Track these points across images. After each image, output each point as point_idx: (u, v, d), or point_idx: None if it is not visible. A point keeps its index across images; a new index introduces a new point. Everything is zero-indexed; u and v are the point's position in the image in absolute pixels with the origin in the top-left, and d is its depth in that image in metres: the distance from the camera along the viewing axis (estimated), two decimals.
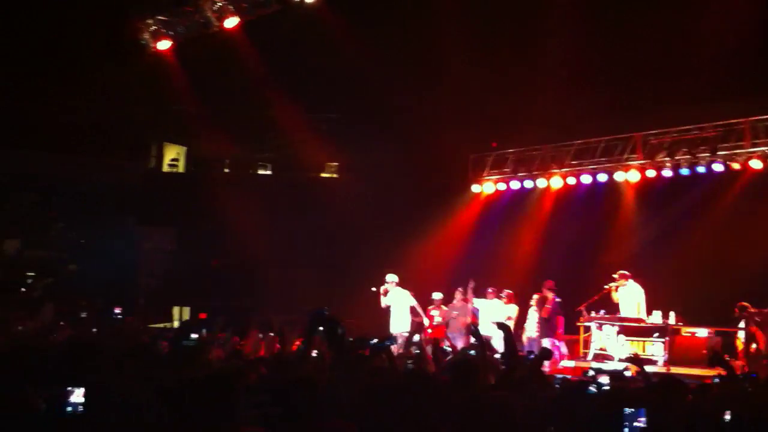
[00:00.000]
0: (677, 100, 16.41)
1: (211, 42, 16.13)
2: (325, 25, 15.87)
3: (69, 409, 4.60)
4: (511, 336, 7.11)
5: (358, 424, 4.52)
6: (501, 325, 7.17)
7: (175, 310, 20.38)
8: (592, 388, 6.93)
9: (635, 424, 4.80)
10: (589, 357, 15.00)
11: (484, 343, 7.57)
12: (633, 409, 4.84)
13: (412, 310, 15.39)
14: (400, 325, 14.93)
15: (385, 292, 15.03)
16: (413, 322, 15.83)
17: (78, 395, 4.62)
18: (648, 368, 11.31)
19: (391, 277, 15.18)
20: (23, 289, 16.78)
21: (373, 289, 15.05)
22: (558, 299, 15.38)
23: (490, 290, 15.90)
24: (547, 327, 15.25)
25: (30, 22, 16.70)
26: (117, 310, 11.24)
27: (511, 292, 15.82)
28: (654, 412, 4.93)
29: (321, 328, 6.25)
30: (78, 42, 17.04)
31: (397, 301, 15.18)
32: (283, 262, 19.63)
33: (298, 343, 10.91)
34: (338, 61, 17.31)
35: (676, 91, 16.05)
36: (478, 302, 15.86)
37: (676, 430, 5.40)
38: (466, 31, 15.67)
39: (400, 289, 15.24)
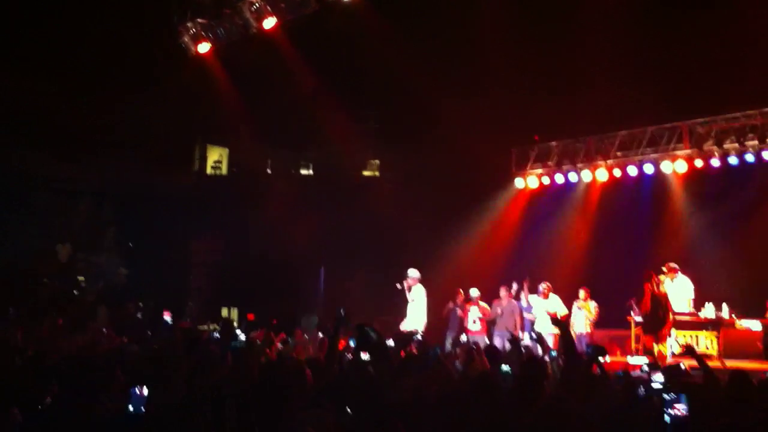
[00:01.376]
0: (724, 87, 16.09)
1: (252, 44, 16.21)
2: (365, 24, 15.87)
3: (131, 408, 4.67)
4: (569, 333, 6.98)
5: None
6: (556, 322, 7.04)
7: (224, 311, 20.55)
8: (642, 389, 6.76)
9: (674, 411, 4.71)
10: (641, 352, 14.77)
11: (546, 345, 7.44)
12: (673, 395, 4.74)
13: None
14: (415, 322, 14.71)
15: (409, 287, 14.82)
16: (456, 321, 15.73)
17: (142, 395, 4.69)
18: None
19: (413, 272, 14.95)
20: (75, 293, 17.04)
21: (398, 285, 14.86)
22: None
23: (543, 286, 15.70)
24: None
25: (72, 29, 16.93)
26: (167, 317, 11.32)
27: (549, 284, 15.59)
28: (695, 400, 4.83)
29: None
30: (122, 48, 17.26)
31: (417, 298, 14.95)
32: (330, 262, 19.67)
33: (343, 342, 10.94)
34: (379, 60, 17.30)
35: (723, 78, 15.73)
36: (532, 299, 15.67)
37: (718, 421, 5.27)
38: (508, 23, 15.55)
39: (420, 286, 14.99)
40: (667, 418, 4.69)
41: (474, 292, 15.89)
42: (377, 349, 6.11)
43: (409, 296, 14.71)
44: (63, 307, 15.40)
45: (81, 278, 17.87)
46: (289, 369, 6.75)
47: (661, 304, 13.23)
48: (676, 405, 4.74)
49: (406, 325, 14.56)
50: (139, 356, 6.29)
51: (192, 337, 6.89)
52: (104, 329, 12.58)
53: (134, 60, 17.74)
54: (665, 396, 4.76)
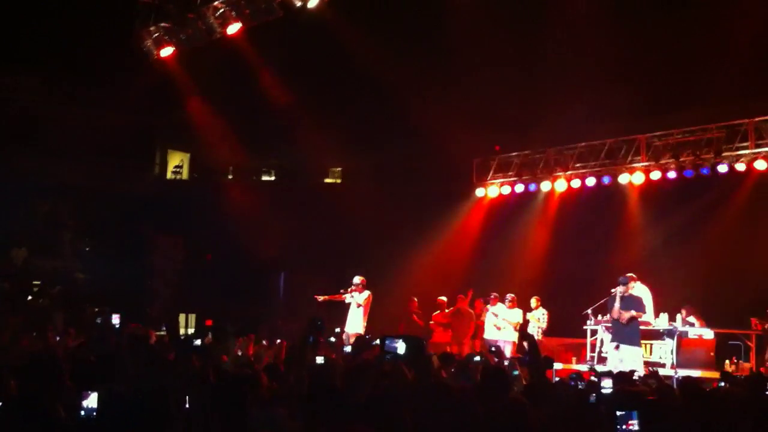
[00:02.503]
0: (681, 101, 16.41)
1: (215, 48, 16.16)
2: (330, 30, 15.91)
3: (82, 413, 4.64)
4: (535, 343, 7.10)
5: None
6: (525, 334, 7.16)
7: (182, 317, 20.41)
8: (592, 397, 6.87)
9: (628, 426, 4.79)
10: (595, 361, 14.95)
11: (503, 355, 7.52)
12: (624, 412, 4.82)
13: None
14: (356, 326, 14.77)
15: (351, 292, 14.86)
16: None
17: (91, 400, 4.66)
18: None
19: (357, 279, 15.02)
20: (30, 298, 16.78)
21: (345, 298, 14.89)
22: None
23: (493, 295, 15.85)
24: None
25: (37, 27, 16.77)
26: (115, 319, 11.22)
27: (514, 296, 15.78)
28: (648, 416, 4.92)
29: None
30: (84, 49, 17.12)
31: (363, 303, 14.98)
32: (291, 268, 19.64)
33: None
34: (343, 68, 17.36)
35: (680, 92, 16.04)
36: (497, 308, 15.81)
37: None
38: (470, 36, 15.69)
39: (367, 291, 15.02)
40: None
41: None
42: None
43: (355, 301, 14.75)
44: (18, 311, 15.17)
45: (36, 282, 17.61)
46: (244, 373, 6.79)
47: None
48: (630, 421, 4.82)
49: (348, 329, 14.63)
50: (87, 360, 6.26)
51: (138, 339, 6.85)
52: (57, 336, 12.43)
53: (97, 62, 17.58)
54: (617, 413, 4.84)
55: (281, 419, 5.38)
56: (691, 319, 14.75)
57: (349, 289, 14.67)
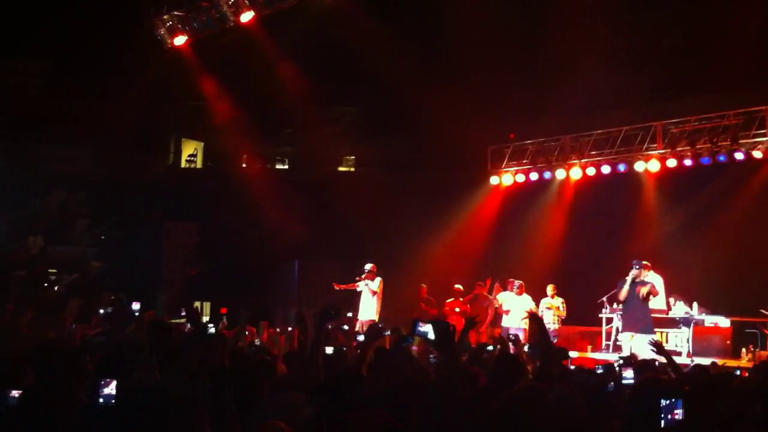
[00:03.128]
0: (697, 88, 16.28)
1: (229, 37, 16.15)
2: (343, 18, 15.86)
3: (101, 400, 4.65)
4: (545, 328, 7.06)
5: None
6: (534, 318, 7.10)
7: (196, 304, 20.46)
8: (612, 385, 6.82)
9: (671, 416, 4.73)
10: (611, 349, 14.92)
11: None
12: (670, 401, 4.76)
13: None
14: (369, 312, 14.82)
15: (363, 279, 14.90)
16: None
17: (111, 388, 4.67)
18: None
19: (368, 266, 15.06)
20: (46, 285, 16.88)
21: (358, 287, 14.94)
22: None
23: (518, 284, 15.84)
24: None
25: (52, 16, 16.81)
26: (135, 306, 11.28)
27: (522, 282, 15.71)
28: (691, 404, 4.87)
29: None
30: (98, 38, 17.14)
31: (377, 290, 15.04)
32: (305, 256, 19.66)
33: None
34: (357, 56, 17.30)
35: (697, 79, 15.91)
36: (504, 296, 15.80)
37: (715, 422, 5.34)
38: (484, 23, 15.59)
39: (378, 278, 15.05)
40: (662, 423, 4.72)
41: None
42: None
43: (369, 288, 14.76)
44: (34, 299, 15.25)
45: (52, 270, 17.70)
46: (258, 360, 6.79)
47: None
48: (675, 411, 4.77)
49: (362, 316, 14.67)
50: (106, 348, 6.27)
51: (160, 327, 6.86)
52: (72, 324, 12.48)
53: (110, 50, 17.61)
54: (662, 402, 4.79)
55: (296, 404, 5.38)
56: (680, 305, 14.69)
57: (363, 276, 14.70)
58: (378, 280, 14.73)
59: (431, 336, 5.64)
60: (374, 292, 14.65)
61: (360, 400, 4.80)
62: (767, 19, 14.14)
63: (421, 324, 5.60)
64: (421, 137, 19.73)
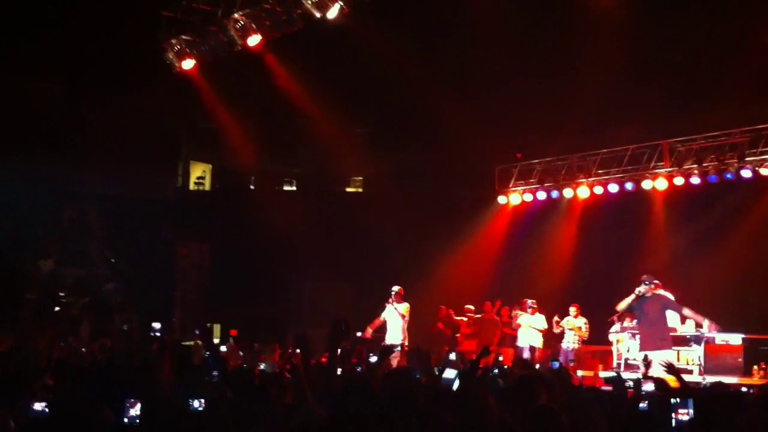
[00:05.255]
0: (703, 106, 16.35)
1: (238, 59, 16.28)
2: (350, 40, 15.99)
3: (126, 420, 4.72)
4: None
5: None
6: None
7: (207, 325, 20.52)
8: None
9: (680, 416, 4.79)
10: (622, 368, 14.88)
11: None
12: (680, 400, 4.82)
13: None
14: (396, 336, 14.84)
15: (391, 302, 14.92)
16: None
17: (136, 408, 4.74)
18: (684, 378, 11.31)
19: (396, 288, 15.10)
20: (57, 309, 16.92)
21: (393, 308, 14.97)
22: None
23: (531, 303, 15.95)
24: None
25: (65, 36, 16.96)
26: (157, 326, 11.30)
27: (535, 302, 15.82)
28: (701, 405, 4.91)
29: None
30: (109, 59, 17.30)
31: (405, 313, 15.05)
32: (315, 277, 19.71)
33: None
34: (364, 78, 17.44)
35: (703, 97, 15.99)
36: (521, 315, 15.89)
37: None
38: (490, 44, 15.70)
39: (406, 303, 15.10)
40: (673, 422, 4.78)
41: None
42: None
43: (397, 312, 14.77)
44: (45, 322, 15.31)
45: (62, 294, 17.74)
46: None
47: None
48: (681, 410, 4.82)
49: (390, 339, 14.66)
50: (129, 368, 6.33)
51: (180, 352, 6.94)
52: (82, 347, 12.55)
53: (121, 72, 17.78)
54: (672, 400, 4.84)
55: (307, 411, 5.44)
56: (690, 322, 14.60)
57: (391, 299, 14.72)
58: (406, 304, 14.75)
59: (455, 386, 5.71)
60: (402, 315, 14.67)
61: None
62: None
63: (448, 368, 5.68)
64: (428, 157, 19.83)
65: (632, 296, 12.21)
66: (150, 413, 4.78)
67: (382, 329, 14.82)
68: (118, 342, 12.34)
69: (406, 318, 14.56)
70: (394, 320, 14.69)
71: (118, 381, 5.63)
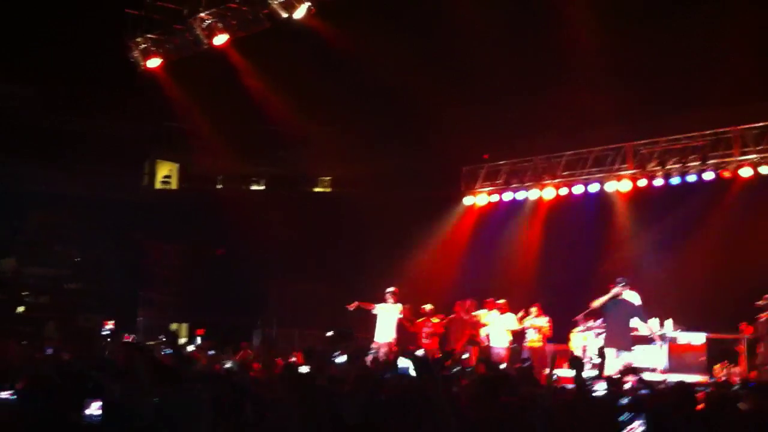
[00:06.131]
0: (666, 109, 16.57)
1: (205, 57, 16.20)
2: (318, 40, 15.97)
3: (85, 420, 4.70)
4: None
5: None
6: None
7: (173, 326, 20.37)
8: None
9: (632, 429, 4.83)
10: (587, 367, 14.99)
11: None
12: (630, 414, 4.87)
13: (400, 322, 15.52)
14: (386, 335, 14.99)
15: (387, 300, 15.17)
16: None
17: (95, 408, 4.72)
18: (648, 376, 11.48)
19: (392, 289, 15.31)
20: (20, 309, 16.71)
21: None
22: None
23: (501, 302, 16.07)
24: None
25: (30, 38, 16.77)
26: (109, 324, 11.24)
27: (505, 302, 15.93)
28: (655, 419, 4.97)
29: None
30: (75, 59, 17.13)
31: (384, 313, 15.29)
32: (284, 277, 19.68)
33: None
34: (330, 75, 17.42)
35: (666, 100, 16.20)
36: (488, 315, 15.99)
37: None
38: (458, 46, 15.78)
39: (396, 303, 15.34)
40: None
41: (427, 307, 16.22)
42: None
43: (395, 311, 15.02)
44: (8, 322, 15.13)
45: (25, 293, 17.51)
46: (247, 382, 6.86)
47: None
48: (633, 424, 4.88)
49: (379, 338, 14.96)
50: (88, 368, 6.28)
51: (137, 348, 6.89)
52: (50, 349, 12.41)
53: (87, 72, 17.61)
54: (623, 416, 4.89)
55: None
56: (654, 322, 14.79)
57: (386, 299, 14.93)
58: (400, 305, 15.00)
59: (413, 372, 5.76)
60: (401, 314, 14.94)
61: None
62: (734, 44, 14.46)
63: (401, 360, 5.73)
64: (396, 158, 19.87)
65: (608, 296, 12.56)
66: (110, 413, 4.76)
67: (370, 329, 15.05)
68: (81, 342, 12.23)
69: (397, 318, 14.83)
70: (386, 319, 14.92)
71: (79, 381, 5.59)
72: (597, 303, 12.87)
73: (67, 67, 17.62)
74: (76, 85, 18.11)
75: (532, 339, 15.86)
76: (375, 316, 15.43)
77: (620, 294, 12.72)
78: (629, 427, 4.92)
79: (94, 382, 5.47)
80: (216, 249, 20.13)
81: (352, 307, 15.22)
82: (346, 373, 7.61)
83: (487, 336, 15.98)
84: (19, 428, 4.48)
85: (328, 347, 6.46)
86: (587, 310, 14.52)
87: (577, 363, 7.41)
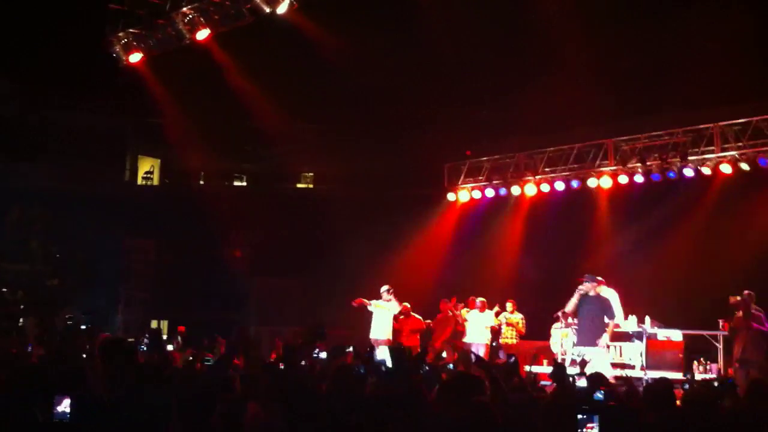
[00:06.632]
0: (647, 106, 16.65)
1: (188, 53, 16.12)
2: (301, 35, 15.93)
3: (55, 418, 4.67)
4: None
5: None
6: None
7: (154, 323, 20.30)
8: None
9: (587, 430, 4.84)
10: (567, 363, 15.05)
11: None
12: (585, 416, 4.88)
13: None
14: (383, 332, 15.19)
15: (388, 300, 15.29)
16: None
17: (64, 405, 4.69)
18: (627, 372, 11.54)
19: (384, 288, 15.40)
20: None
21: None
22: None
23: (480, 301, 16.10)
24: None
25: (8, 31, 16.64)
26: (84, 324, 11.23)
27: (484, 300, 15.95)
28: (607, 419, 4.99)
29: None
30: (55, 53, 17.01)
31: (380, 310, 15.39)
32: (265, 272, 19.65)
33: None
34: (313, 71, 17.40)
35: (647, 97, 16.27)
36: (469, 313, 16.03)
37: None
38: (440, 42, 15.78)
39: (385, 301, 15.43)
40: None
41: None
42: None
43: (394, 308, 15.21)
44: None
45: (4, 289, 17.39)
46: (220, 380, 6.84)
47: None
48: (588, 425, 4.88)
49: (375, 335, 15.08)
50: (59, 367, 6.25)
51: (113, 345, 6.84)
52: (29, 345, 12.36)
53: (67, 66, 17.49)
54: (578, 416, 4.90)
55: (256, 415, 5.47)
56: (633, 319, 14.82)
57: (388, 297, 15.01)
58: (395, 302, 15.14)
59: (389, 363, 5.77)
60: (401, 311, 15.30)
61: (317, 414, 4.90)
62: (715, 42, 14.54)
63: (377, 351, 5.75)
64: (379, 154, 19.89)
65: (575, 296, 12.53)
66: (80, 410, 4.73)
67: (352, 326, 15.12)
68: (59, 339, 12.16)
69: (394, 315, 14.94)
70: (382, 317, 15.01)
71: (49, 378, 5.56)
72: (569, 307, 12.85)
73: (48, 62, 17.50)
74: (58, 80, 17.98)
75: (505, 336, 15.92)
76: (366, 312, 15.50)
77: (588, 291, 12.64)
78: (585, 427, 4.93)
79: (66, 379, 5.45)
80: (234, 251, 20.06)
81: (356, 303, 15.34)
82: (326, 369, 7.61)
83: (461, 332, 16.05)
84: None
85: (301, 344, 6.46)
86: (561, 311, 14.59)
87: (559, 371, 7.47)
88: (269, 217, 20.00)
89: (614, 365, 13.23)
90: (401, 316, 16.11)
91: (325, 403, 5.68)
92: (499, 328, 15.98)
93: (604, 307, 12.63)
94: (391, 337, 15.22)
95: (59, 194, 19.11)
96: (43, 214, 18.62)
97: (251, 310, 19.13)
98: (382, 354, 6.35)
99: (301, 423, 5.33)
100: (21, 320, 16.14)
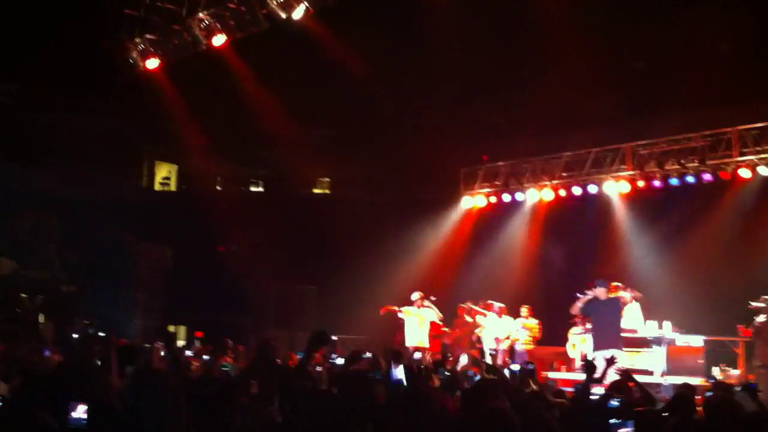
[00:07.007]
0: (665, 110, 16.54)
1: (204, 59, 16.18)
2: (316, 40, 15.95)
3: (71, 424, 4.67)
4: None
5: None
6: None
7: (170, 328, 20.34)
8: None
9: None
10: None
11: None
12: (619, 421, 4.84)
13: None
14: (419, 339, 15.43)
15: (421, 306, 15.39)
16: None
17: (80, 411, 4.69)
18: (646, 379, 11.45)
19: (415, 295, 15.61)
20: (18, 310, 16.66)
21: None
22: None
23: (498, 306, 16.09)
24: None
25: (26, 35, 16.75)
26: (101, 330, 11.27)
27: (503, 305, 15.93)
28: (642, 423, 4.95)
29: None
30: (72, 58, 17.11)
31: (410, 317, 15.50)
32: (281, 278, 19.66)
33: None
34: (330, 76, 17.41)
35: (664, 101, 16.16)
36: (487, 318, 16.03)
37: None
38: (456, 46, 15.76)
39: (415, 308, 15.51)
40: None
41: None
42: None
43: (432, 315, 15.44)
44: (6, 323, 15.10)
45: (24, 295, 17.48)
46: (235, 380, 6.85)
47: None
48: (622, 430, 4.85)
49: (411, 342, 15.27)
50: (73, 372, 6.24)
51: (129, 351, 6.85)
52: (47, 350, 12.41)
53: (83, 72, 17.58)
54: (612, 421, 4.86)
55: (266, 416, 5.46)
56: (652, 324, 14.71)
57: (421, 304, 15.09)
58: (428, 309, 15.23)
59: (405, 383, 5.78)
60: (425, 319, 15.43)
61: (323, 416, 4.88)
62: (733, 43, 14.43)
63: (394, 367, 5.75)
64: (395, 159, 19.87)
65: (585, 299, 12.56)
66: (96, 416, 4.73)
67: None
68: (74, 344, 12.18)
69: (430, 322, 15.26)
70: (413, 323, 15.08)
71: (64, 384, 5.55)
72: (573, 309, 12.94)
73: (65, 66, 17.60)
74: (73, 84, 18.07)
75: (523, 341, 15.86)
76: (390, 319, 15.63)
77: (600, 296, 12.70)
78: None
79: (82, 385, 5.45)
80: (217, 246, 20.09)
81: (383, 311, 15.43)
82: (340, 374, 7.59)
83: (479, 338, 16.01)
84: (4, 429, 4.46)
85: (306, 349, 6.47)
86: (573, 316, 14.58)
87: (589, 368, 7.44)
88: (286, 222, 20.00)
89: (633, 371, 13.09)
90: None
91: (326, 404, 5.67)
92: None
93: (617, 308, 12.66)
94: (425, 345, 15.20)
95: (75, 200, 19.20)
96: (61, 220, 18.72)
97: (268, 315, 19.12)
98: (399, 373, 6.36)
99: (300, 423, 5.31)
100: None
